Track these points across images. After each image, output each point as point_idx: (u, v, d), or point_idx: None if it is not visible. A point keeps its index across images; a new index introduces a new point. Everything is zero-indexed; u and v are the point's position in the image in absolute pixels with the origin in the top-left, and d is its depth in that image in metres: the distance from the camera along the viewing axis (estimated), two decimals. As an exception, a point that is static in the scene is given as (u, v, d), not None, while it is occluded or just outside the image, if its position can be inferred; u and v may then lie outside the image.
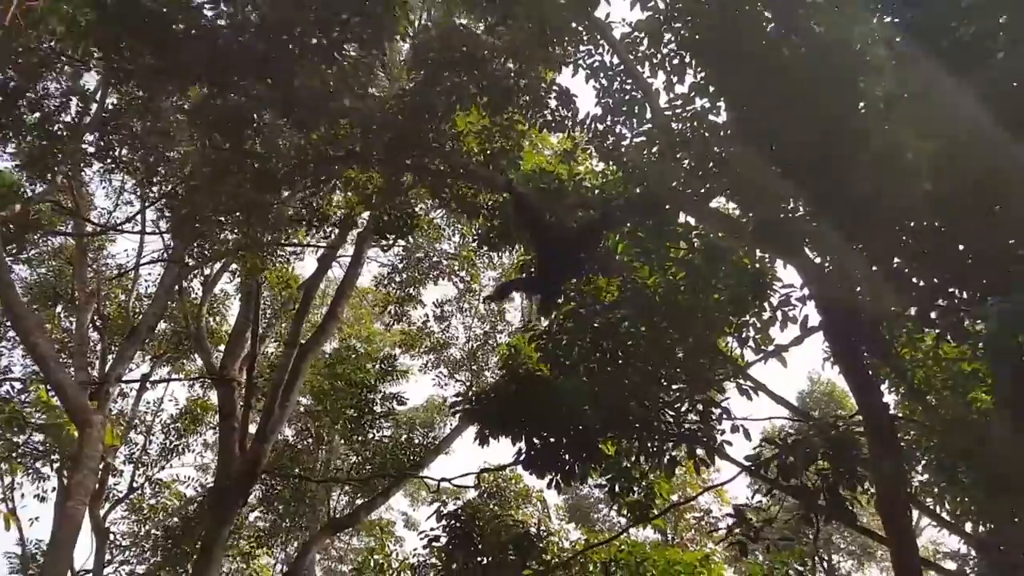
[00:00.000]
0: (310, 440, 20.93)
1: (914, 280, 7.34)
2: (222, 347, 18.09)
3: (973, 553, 13.31)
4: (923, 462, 9.88)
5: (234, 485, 15.00)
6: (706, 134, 8.55)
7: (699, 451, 9.02)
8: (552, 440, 9.15)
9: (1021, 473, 6.88)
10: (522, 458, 9.27)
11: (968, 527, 9.95)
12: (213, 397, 20.59)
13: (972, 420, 8.78)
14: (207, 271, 18.12)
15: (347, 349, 19.76)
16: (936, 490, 10.00)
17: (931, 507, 9.75)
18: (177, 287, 16.92)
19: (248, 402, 16.26)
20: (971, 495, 9.13)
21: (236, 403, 16.25)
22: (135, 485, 21.06)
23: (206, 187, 10.91)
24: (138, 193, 17.17)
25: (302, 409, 20.51)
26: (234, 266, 17.64)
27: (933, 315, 7.33)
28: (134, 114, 12.63)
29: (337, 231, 15.93)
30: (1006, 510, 8.32)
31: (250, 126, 9.84)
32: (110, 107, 13.76)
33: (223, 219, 12.44)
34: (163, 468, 21.62)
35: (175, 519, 20.34)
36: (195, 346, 18.54)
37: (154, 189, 14.62)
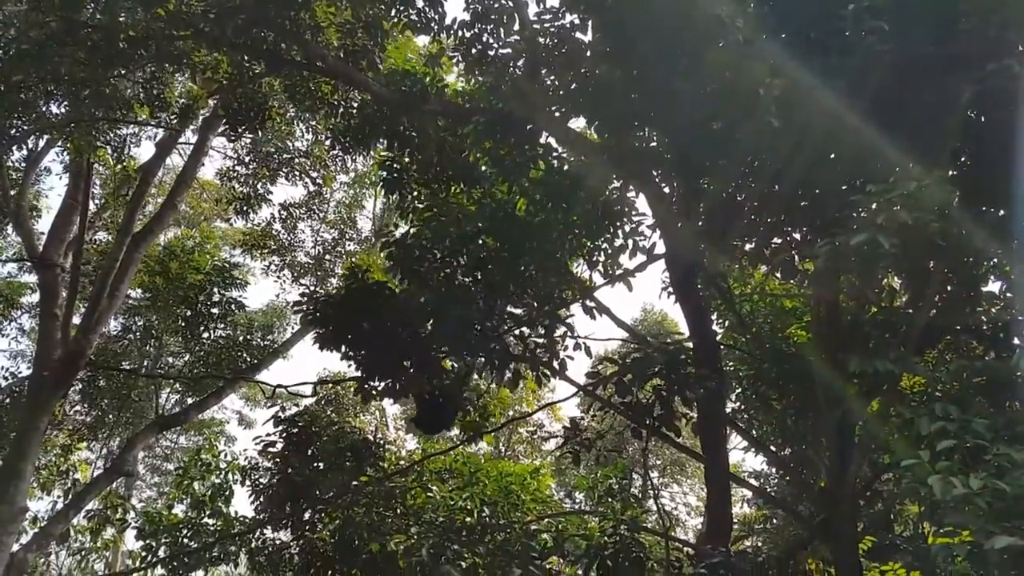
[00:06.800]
0: (139, 335, 19.91)
1: (753, 217, 7.72)
2: (45, 227, 16.70)
3: (774, 472, 14.58)
4: (740, 388, 10.65)
5: (53, 376, 14.12)
6: (572, 52, 8.51)
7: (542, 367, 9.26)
8: (394, 353, 9.10)
9: (825, 400, 7.52)
10: (359, 370, 9.23)
11: (773, 448, 10.84)
12: (31, 279, 19.13)
13: (788, 352, 9.50)
14: (31, 144, 16.52)
15: (182, 249, 18.67)
16: (747, 415, 10.83)
17: (743, 428, 10.53)
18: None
19: (73, 290, 15.18)
20: (779, 419, 9.94)
21: (59, 290, 15.15)
22: (-62, 369, 19.38)
23: (36, 56, 9.87)
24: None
25: (132, 303, 19.41)
26: (63, 142, 16.15)
27: (767, 252, 7.77)
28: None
29: (179, 115, 14.88)
30: (807, 433, 9.11)
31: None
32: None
33: (52, 91, 11.34)
34: (-30, 352, 20.00)
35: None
36: (14, 225, 17.01)
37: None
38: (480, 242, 9.06)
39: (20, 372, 19.49)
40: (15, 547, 13.35)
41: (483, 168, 9.59)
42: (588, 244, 9.41)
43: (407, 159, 9.80)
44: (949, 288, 7.20)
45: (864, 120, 6.59)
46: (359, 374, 9.31)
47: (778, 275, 8.33)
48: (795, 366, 8.93)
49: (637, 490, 11.03)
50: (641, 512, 10.42)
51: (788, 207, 7.51)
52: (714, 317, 10.11)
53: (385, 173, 9.94)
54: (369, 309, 8.92)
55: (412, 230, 9.57)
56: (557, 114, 8.80)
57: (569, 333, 9.12)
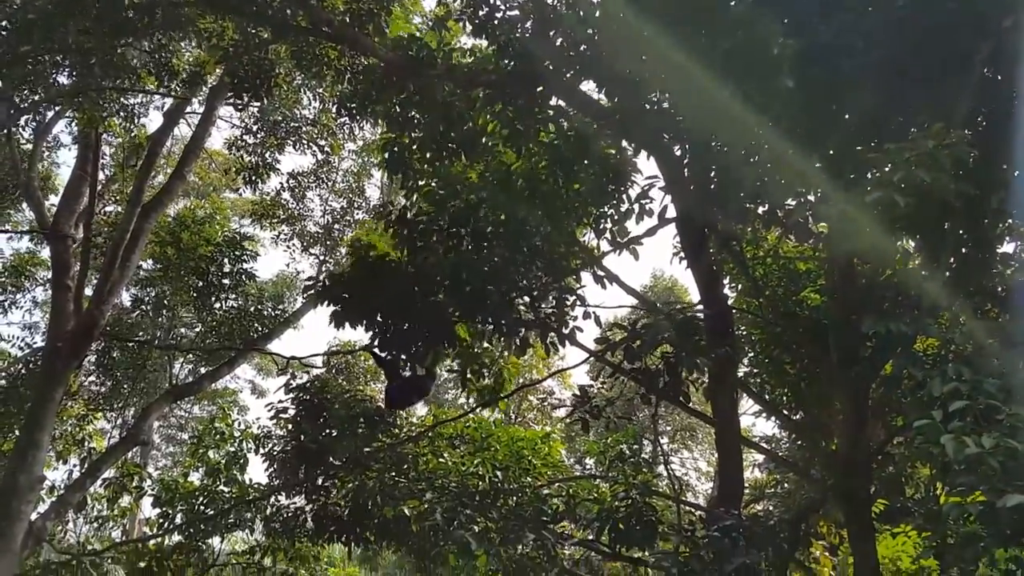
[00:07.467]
0: (151, 306, 19.99)
1: (766, 179, 7.62)
2: (55, 199, 16.71)
3: (786, 436, 14.61)
4: (752, 352, 10.61)
5: (67, 347, 14.21)
6: (580, 12, 8.38)
7: (551, 335, 9.23)
8: (405, 325, 9.10)
9: (839, 363, 7.49)
10: (375, 343, 9.26)
11: (785, 412, 10.83)
12: (44, 252, 19.18)
13: (801, 315, 9.45)
14: (39, 115, 16.48)
15: (192, 219, 18.59)
16: (759, 379, 10.80)
17: (755, 392, 10.51)
18: (4, 131, 15.34)
19: (85, 261, 15.23)
20: (792, 383, 9.91)
21: (71, 261, 15.21)
22: (-48, 341, 19.53)
23: (42, 26, 9.80)
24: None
25: (144, 274, 19.48)
26: (71, 112, 16.12)
27: (780, 213, 7.68)
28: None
29: (187, 83, 14.78)
30: (820, 397, 9.10)
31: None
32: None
33: (60, 61, 11.29)
34: (-15, 323, 20.17)
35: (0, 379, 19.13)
36: (25, 196, 17.04)
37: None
38: (483, 213, 8.97)
39: (35, 343, 19.62)
40: (33, 515, 13.54)
41: (490, 136, 9.46)
42: (595, 211, 9.32)
43: (412, 129, 9.64)
44: (964, 250, 7.13)
45: (879, 78, 6.48)
46: (377, 347, 9.36)
47: (792, 237, 8.24)
48: (808, 329, 8.89)
49: (647, 456, 11.02)
50: (652, 477, 10.45)
51: (802, 169, 7.40)
52: (726, 280, 10.05)
53: (387, 154, 9.77)
54: (378, 285, 8.90)
55: (415, 205, 9.49)
56: (567, 75, 8.68)
57: (579, 302, 9.09)
